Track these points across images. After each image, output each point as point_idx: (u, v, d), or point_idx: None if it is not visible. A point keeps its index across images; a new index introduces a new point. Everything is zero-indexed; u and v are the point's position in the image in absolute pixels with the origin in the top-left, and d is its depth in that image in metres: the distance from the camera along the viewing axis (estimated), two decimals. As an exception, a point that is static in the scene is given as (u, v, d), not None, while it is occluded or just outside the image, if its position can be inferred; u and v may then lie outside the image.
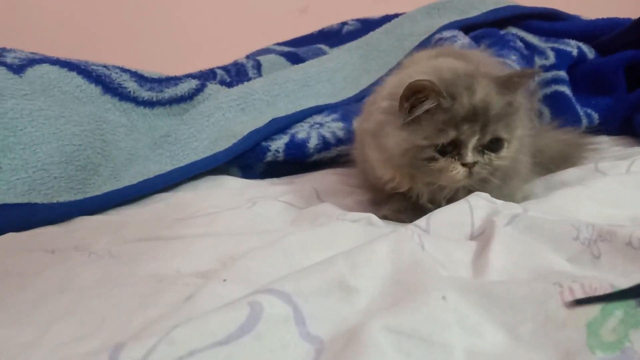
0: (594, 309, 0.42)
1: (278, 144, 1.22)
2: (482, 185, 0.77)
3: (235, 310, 0.40)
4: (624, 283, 0.44)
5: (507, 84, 0.74)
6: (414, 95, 0.71)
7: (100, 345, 0.44)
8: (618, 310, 0.41)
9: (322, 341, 0.42)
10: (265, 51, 1.82)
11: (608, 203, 0.73)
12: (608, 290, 0.44)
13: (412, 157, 0.74)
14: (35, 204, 0.92)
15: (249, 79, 1.53)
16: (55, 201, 0.95)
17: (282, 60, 1.72)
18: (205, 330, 0.38)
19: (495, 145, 0.74)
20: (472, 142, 0.72)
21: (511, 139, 0.75)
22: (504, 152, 0.75)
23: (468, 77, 0.74)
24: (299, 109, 1.34)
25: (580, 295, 0.44)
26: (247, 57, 1.79)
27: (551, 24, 1.56)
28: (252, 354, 0.38)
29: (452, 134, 0.71)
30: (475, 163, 0.73)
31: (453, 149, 0.73)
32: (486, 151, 0.74)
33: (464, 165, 0.72)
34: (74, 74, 1.17)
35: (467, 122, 0.71)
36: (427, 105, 0.71)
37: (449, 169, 0.73)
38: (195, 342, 0.37)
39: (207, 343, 0.37)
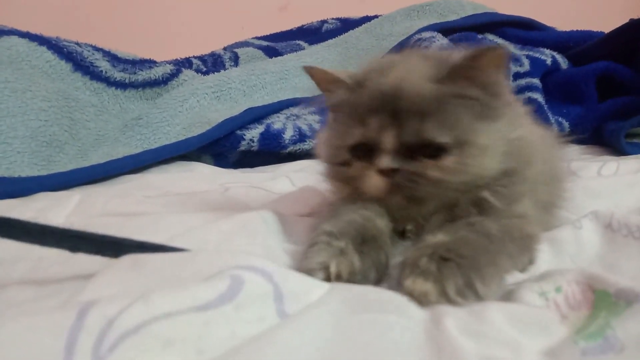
0: (580, 319, 0.42)
1: (253, 134, 1.20)
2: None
3: (216, 279, 0.38)
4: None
5: (453, 69, 0.51)
6: (320, 87, 0.59)
7: (60, 305, 0.42)
8: (603, 312, 0.41)
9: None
10: (244, 44, 1.80)
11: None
12: (591, 299, 0.44)
13: (331, 163, 0.58)
14: (-5, 176, 0.88)
15: (225, 70, 1.51)
16: (17, 175, 0.91)
17: (260, 53, 1.71)
18: (184, 295, 0.36)
19: (433, 151, 0.51)
20: (388, 141, 0.51)
21: (461, 143, 0.50)
22: (448, 161, 0.50)
23: (396, 60, 0.57)
24: (275, 100, 1.32)
25: (565, 310, 0.43)
26: (225, 48, 1.77)
27: (527, 32, 1.60)
28: (229, 323, 0.36)
29: (357, 132, 0.53)
30: (394, 170, 0.51)
31: (369, 152, 0.53)
32: (421, 158, 0.51)
33: (381, 172, 0.52)
34: (44, 48, 1.13)
35: (374, 115, 0.52)
36: (333, 98, 0.57)
37: (362, 176, 0.53)
38: (172, 304, 0.35)
39: (185, 307, 0.35)
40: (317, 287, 0.42)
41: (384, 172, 0.51)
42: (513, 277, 0.50)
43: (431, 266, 0.43)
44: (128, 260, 0.43)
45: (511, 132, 0.54)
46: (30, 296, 0.45)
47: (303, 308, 0.39)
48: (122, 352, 0.31)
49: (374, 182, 0.52)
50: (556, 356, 0.37)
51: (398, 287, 0.44)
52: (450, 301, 0.41)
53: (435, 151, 0.51)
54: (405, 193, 0.51)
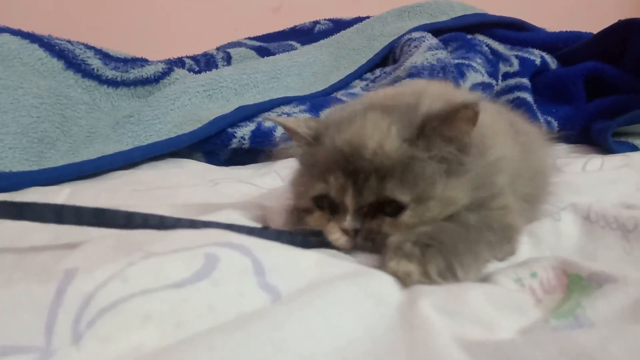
0: (555, 302, 0.43)
1: (244, 131, 1.21)
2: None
3: (191, 258, 0.39)
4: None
5: (424, 128, 0.50)
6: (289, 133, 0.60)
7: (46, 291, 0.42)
8: (575, 294, 0.43)
9: (279, 292, 0.41)
10: (236, 44, 1.81)
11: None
12: (565, 283, 0.45)
13: (296, 207, 0.59)
14: (-14, 171, 0.89)
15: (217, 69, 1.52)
16: (8, 170, 0.91)
17: (253, 53, 1.72)
18: (160, 272, 0.37)
19: (393, 208, 0.51)
20: (350, 201, 0.51)
21: (420, 201, 0.50)
22: (405, 217, 0.50)
23: (354, 113, 0.55)
24: (267, 99, 1.33)
25: (541, 295, 0.44)
26: (218, 49, 1.78)
27: (516, 33, 1.62)
28: (208, 298, 0.37)
29: (319, 187, 0.53)
30: (356, 231, 0.51)
31: (331, 206, 0.53)
32: (380, 215, 0.51)
33: (344, 232, 0.52)
34: (35, 46, 1.14)
35: (333, 173, 0.52)
36: (296, 148, 0.59)
37: (328, 230, 0.53)
38: (149, 281, 0.36)
39: (161, 284, 0.36)
40: (302, 259, 0.42)
41: (347, 232, 0.52)
42: (492, 266, 0.51)
43: (415, 250, 0.45)
44: (111, 236, 0.44)
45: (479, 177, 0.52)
46: (15, 279, 0.46)
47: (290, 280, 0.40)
48: (101, 327, 0.32)
49: (339, 239, 0.52)
50: (528, 334, 0.38)
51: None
52: (431, 281, 0.43)
53: (395, 209, 0.50)
54: (367, 249, 0.52)
